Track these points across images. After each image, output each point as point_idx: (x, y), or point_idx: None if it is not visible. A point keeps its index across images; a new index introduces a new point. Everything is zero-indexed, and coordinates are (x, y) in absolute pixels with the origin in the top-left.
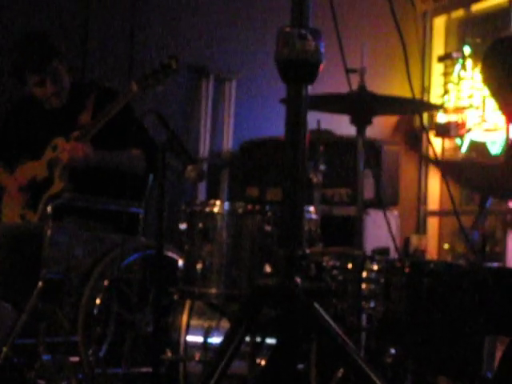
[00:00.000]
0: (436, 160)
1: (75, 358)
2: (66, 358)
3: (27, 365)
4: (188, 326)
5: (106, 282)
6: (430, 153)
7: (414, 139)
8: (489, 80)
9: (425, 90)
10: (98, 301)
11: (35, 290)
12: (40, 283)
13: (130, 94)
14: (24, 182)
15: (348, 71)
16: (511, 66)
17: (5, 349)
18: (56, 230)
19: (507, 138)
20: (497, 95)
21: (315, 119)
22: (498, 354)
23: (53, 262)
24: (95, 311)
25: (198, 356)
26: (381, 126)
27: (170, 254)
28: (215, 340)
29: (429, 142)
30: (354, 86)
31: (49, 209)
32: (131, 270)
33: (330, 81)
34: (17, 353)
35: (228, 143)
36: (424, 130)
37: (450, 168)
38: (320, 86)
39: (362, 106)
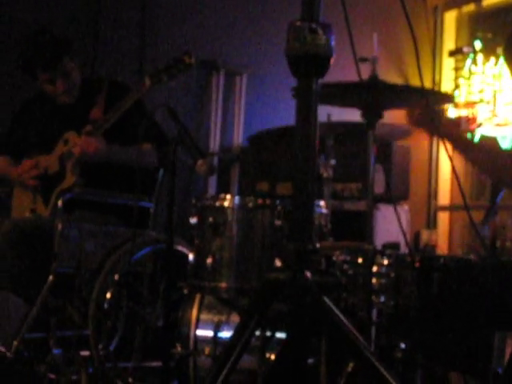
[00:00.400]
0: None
1: (85, 352)
2: (77, 352)
3: (38, 359)
4: (198, 320)
5: (116, 277)
6: (441, 147)
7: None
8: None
9: (435, 84)
10: (108, 295)
11: (46, 284)
12: (51, 277)
13: (143, 89)
14: (33, 171)
15: (359, 60)
16: None
17: (15, 342)
18: (67, 224)
19: None
20: None
21: (325, 113)
22: (509, 350)
23: (64, 257)
24: (106, 305)
25: (207, 350)
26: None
27: (180, 247)
28: (225, 334)
29: (439, 136)
30: (365, 77)
31: (59, 203)
32: (142, 264)
33: (341, 71)
34: (27, 347)
35: (238, 138)
36: (434, 123)
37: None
38: (329, 76)
39: (374, 96)
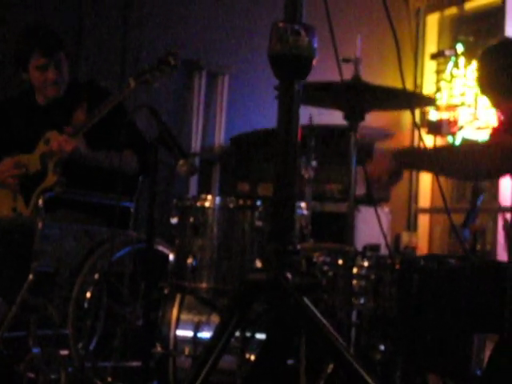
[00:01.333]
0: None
1: (65, 352)
2: (56, 351)
3: (17, 358)
4: (178, 320)
5: (96, 276)
6: None
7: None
8: (481, 81)
9: (417, 87)
10: (88, 294)
11: (26, 283)
12: (30, 276)
13: (126, 90)
14: (13, 169)
15: (342, 60)
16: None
17: None
18: (47, 223)
19: (492, 127)
20: (497, 102)
21: (307, 114)
22: (487, 352)
23: (44, 255)
24: (85, 305)
25: (187, 350)
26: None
27: (160, 248)
28: (205, 334)
29: (421, 139)
30: (347, 77)
31: (40, 202)
32: (122, 263)
33: (323, 72)
34: (7, 346)
35: (220, 138)
36: (416, 126)
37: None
38: (312, 77)
39: (356, 97)
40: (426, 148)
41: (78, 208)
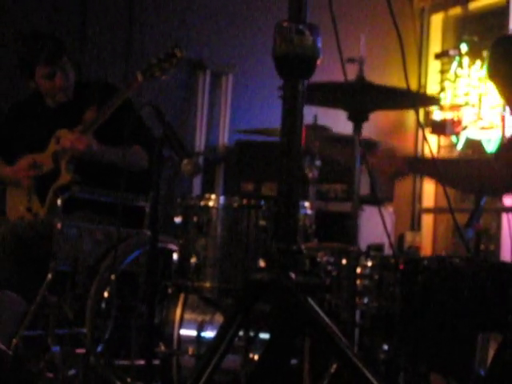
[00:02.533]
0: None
1: (82, 350)
2: (74, 350)
3: (36, 356)
4: (182, 319)
5: (113, 276)
6: (426, 150)
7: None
8: (494, 75)
9: (421, 86)
10: (105, 294)
11: (44, 283)
12: (49, 275)
13: (134, 85)
14: (28, 168)
15: (346, 60)
16: None
17: (14, 340)
18: (65, 223)
19: (503, 136)
20: (503, 91)
21: (312, 114)
22: (491, 352)
23: (62, 255)
24: (103, 305)
25: (191, 350)
26: (375, 125)
27: (171, 246)
28: (209, 334)
29: (425, 139)
30: (351, 78)
31: (58, 202)
32: (138, 263)
33: (327, 72)
34: (26, 344)
35: (224, 138)
36: (420, 126)
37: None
38: (316, 77)
39: (360, 96)
40: (436, 158)
41: (93, 208)
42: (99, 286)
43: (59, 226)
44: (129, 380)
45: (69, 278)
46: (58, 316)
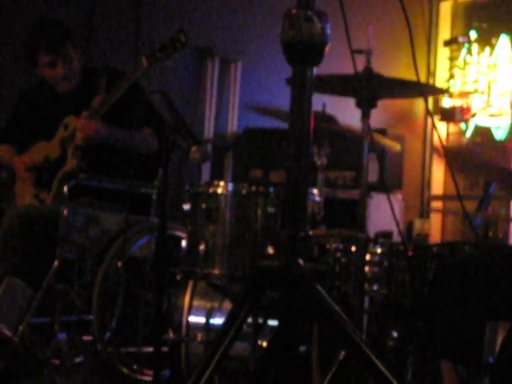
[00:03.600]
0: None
1: (89, 337)
2: (80, 337)
3: (43, 343)
4: (190, 306)
5: (119, 263)
6: (435, 137)
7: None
8: None
9: (430, 74)
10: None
11: (51, 270)
12: (56, 262)
13: (140, 69)
14: (39, 161)
15: (354, 52)
16: None
17: (21, 327)
18: (72, 210)
19: None
20: None
21: (321, 102)
22: (500, 339)
23: (68, 242)
24: (109, 291)
25: (199, 337)
26: (384, 112)
27: (179, 233)
28: (217, 321)
29: (434, 126)
30: (360, 68)
31: (65, 189)
32: (145, 249)
33: (336, 62)
34: (33, 331)
35: (233, 125)
36: (429, 114)
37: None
38: (325, 67)
39: (368, 87)
40: None
41: (100, 194)
42: (106, 272)
43: (66, 212)
44: (135, 367)
45: (76, 265)
46: (64, 303)
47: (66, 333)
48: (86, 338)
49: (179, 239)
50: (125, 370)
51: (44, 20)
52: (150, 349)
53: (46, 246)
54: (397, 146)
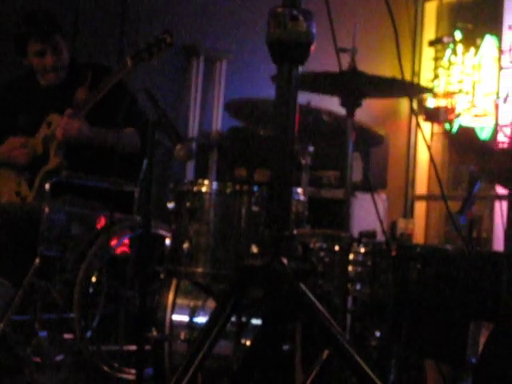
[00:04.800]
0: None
1: (70, 335)
2: (61, 335)
3: (23, 341)
4: (174, 304)
5: (100, 261)
6: (419, 137)
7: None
8: None
9: (415, 74)
10: (93, 279)
11: (32, 267)
12: (37, 260)
13: (124, 69)
14: (18, 146)
15: (339, 50)
16: None
17: (1, 325)
18: (53, 207)
19: (496, 124)
20: None
21: (305, 99)
22: (483, 339)
23: (50, 240)
24: (90, 289)
25: (183, 335)
26: (368, 111)
27: (161, 232)
28: (201, 319)
29: (418, 125)
30: (345, 67)
31: (47, 186)
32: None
33: (321, 60)
34: (13, 329)
35: (217, 123)
36: (414, 113)
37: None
38: (310, 66)
39: (353, 86)
40: None
41: (82, 192)
42: (87, 270)
43: (47, 210)
44: (116, 365)
45: (57, 263)
46: (45, 301)
47: (46, 331)
48: (67, 336)
49: (162, 237)
50: (106, 369)
51: (34, 9)
52: (132, 347)
53: (27, 244)
54: (381, 131)
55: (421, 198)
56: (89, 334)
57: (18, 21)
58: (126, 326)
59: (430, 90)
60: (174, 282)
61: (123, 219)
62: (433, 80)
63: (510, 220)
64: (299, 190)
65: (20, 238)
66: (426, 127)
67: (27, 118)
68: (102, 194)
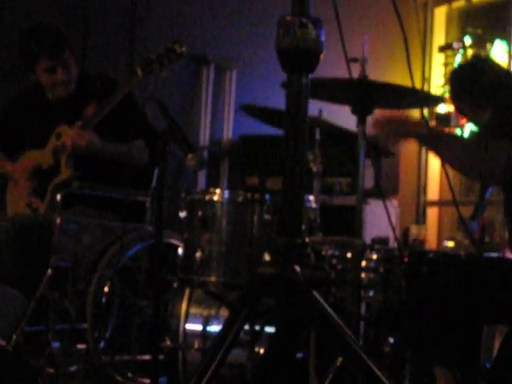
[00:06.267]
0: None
1: (83, 346)
2: (74, 346)
3: (37, 352)
4: (187, 314)
5: (113, 271)
6: None
7: None
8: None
9: (425, 80)
10: (106, 289)
11: (45, 278)
12: (49, 271)
13: (134, 80)
14: (30, 170)
15: (349, 60)
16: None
17: (15, 336)
18: (65, 218)
19: None
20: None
21: (317, 108)
22: (497, 344)
23: (62, 250)
24: (103, 299)
25: (196, 344)
26: None
27: (173, 241)
28: (214, 328)
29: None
30: (355, 77)
31: (58, 197)
32: (138, 258)
33: (331, 70)
34: (26, 340)
35: (228, 132)
36: (424, 121)
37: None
38: (320, 76)
39: (363, 95)
40: (443, 135)
41: (93, 203)
42: (99, 280)
43: (59, 221)
44: (129, 375)
45: (69, 274)
46: (58, 311)
47: (59, 341)
48: (81, 346)
49: (173, 247)
50: (119, 379)
51: (44, 25)
52: (146, 356)
53: (39, 255)
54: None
55: (433, 203)
56: (102, 344)
57: (26, 37)
58: (139, 336)
59: (440, 100)
60: (187, 291)
61: (135, 229)
62: (443, 86)
63: None
64: (311, 197)
65: (32, 249)
66: None
67: (36, 131)
68: (113, 205)
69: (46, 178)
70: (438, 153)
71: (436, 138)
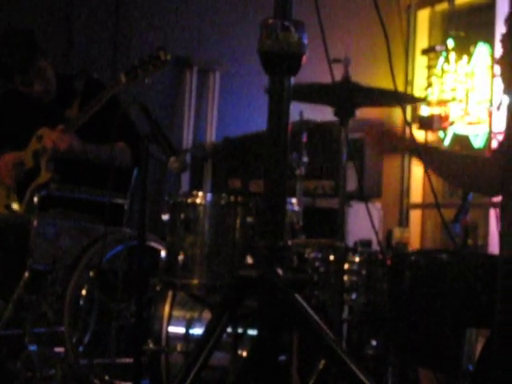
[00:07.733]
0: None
1: (60, 349)
2: (52, 349)
3: (13, 355)
4: (170, 316)
5: (91, 273)
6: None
7: None
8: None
9: (408, 82)
10: (83, 292)
11: (21, 281)
12: (26, 274)
13: (117, 86)
14: (10, 167)
15: (332, 62)
16: None
17: None
18: (42, 220)
19: (490, 132)
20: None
21: (298, 110)
22: (479, 347)
23: (39, 253)
24: (81, 302)
25: (179, 347)
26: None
27: (153, 244)
28: (197, 331)
29: (411, 135)
30: (338, 78)
31: (35, 199)
32: (116, 260)
33: (314, 71)
34: (2, 343)
35: (211, 135)
36: (406, 123)
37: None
38: (303, 77)
39: (346, 96)
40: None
41: (72, 205)
42: (77, 283)
43: (36, 223)
44: (107, 378)
45: (47, 277)
46: (35, 315)
47: (37, 345)
48: (58, 349)
49: (154, 250)
50: (97, 382)
51: (11, 36)
52: (125, 359)
53: (16, 257)
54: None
55: (416, 206)
56: (80, 347)
57: None
58: (118, 339)
59: (422, 100)
60: (170, 294)
61: (113, 231)
62: (426, 88)
63: (503, 227)
64: (294, 200)
65: (9, 251)
66: (420, 135)
67: (17, 132)
68: (92, 207)
69: (26, 180)
70: (433, 168)
71: (432, 153)
